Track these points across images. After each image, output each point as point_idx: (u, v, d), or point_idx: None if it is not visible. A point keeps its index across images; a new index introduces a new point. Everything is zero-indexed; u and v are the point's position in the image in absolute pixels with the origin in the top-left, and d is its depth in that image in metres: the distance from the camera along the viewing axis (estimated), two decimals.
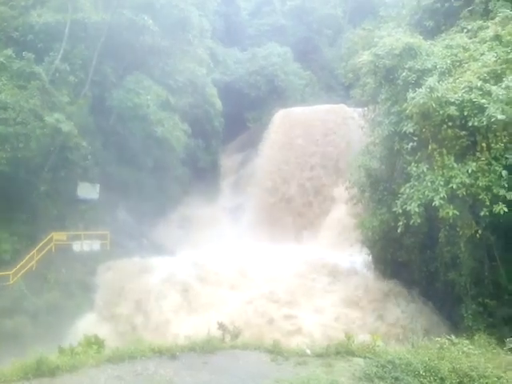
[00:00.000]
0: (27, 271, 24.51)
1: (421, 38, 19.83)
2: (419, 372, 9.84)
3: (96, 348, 11.58)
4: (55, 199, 27.50)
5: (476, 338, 12.50)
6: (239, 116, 44.82)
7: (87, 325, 22.08)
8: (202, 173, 38.70)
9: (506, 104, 14.91)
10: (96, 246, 28.05)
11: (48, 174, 27.08)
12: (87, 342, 11.68)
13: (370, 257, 24.65)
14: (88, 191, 29.54)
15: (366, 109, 25.33)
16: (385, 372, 10.03)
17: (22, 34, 28.69)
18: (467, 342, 11.44)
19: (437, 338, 11.42)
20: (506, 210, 14.35)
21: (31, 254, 25.01)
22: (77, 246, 27.45)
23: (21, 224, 25.74)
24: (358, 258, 25.88)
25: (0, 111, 24.61)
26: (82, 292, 25.08)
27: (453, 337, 11.47)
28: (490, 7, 19.89)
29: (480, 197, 14.91)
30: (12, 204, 25.17)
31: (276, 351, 11.36)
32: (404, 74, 18.27)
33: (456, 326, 17.88)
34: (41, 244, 25.69)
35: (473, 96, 15.54)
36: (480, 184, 14.88)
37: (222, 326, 12.36)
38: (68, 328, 22.22)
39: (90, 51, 29.82)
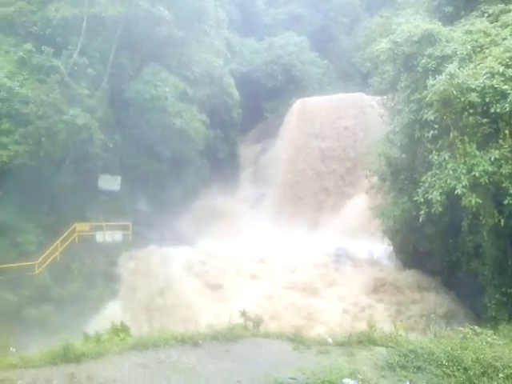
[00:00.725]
0: (52, 261, 25.05)
1: (440, 24, 19.49)
2: (442, 362, 9.80)
3: (123, 335, 11.77)
4: (77, 191, 27.94)
5: (500, 328, 12.41)
6: (256, 106, 44.70)
7: (110, 313, 22.46)
8: (221, 163, 38.74)
9: None
10: (118, 236, 28.46)
11: (70, 167, 27.50)
12: (114, 329, 11.87)
13: (392, 246, 24.52)
14: (109, 183, 29.95)
15: (384, 97, 25.05)
16: (407, 361, 10.02)
17: (41, 28, 28.93)
18: (491, 332, 11.36)
19: (460, 328, 11.36)
20: None
21: (55, 244, 25.54)
22: (99, 237, 27.89)
23: (44, 216, 26.25)
24: (378, 248, 25.79)
25: (22, 106, 24.97)
26: (105, 281, 25.56)
27: (476, 327, 11.39)
28: None
29: (503, 185, 14.71)
30: (35, 196, 25.60)
31: (298, 340, 11.41)
32: (423, 60, 18.02)
33: (479, 316, 17.73)
34: (64, 235, 26.19)
35: (495, 82, 15.29)
36: (503, 172, 14.67)
37: (243, 315, 12.45)
38: (92, 316, 22.67)
39: (108, 44, 30.01)
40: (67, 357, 10.16)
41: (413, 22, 19.90)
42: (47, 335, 16.23)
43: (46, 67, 26.89)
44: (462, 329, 11.10)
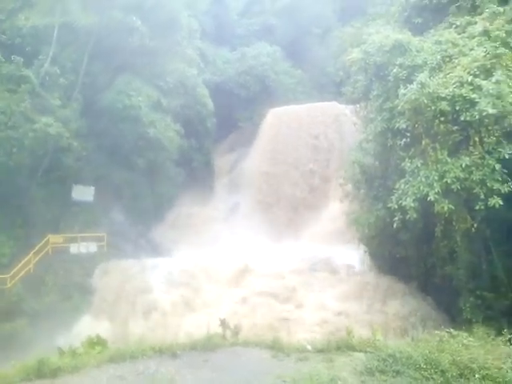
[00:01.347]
0: (25, 274, 24.60)
1: (410, 34, 19.99)
2: (420, 365, 9.92)
3: (99, 348, 11.60)
4: (50, 202, 27.56)
5: (475, 330, 12.60)
6: (230, 116, 44.77)
7: (86, 326, 22.09)
8: (196, 173, 38.67)
9: (497, 98, 15.08)
10: (93, 247, 28.04)
11: (42, 178, 27.10)
12: (90, 342, 11.69)
13: (367, 253, 24.78)
14: (82, 193, 29.52)
15: (357, 106, 25.43)
16: (386, 366, 10.11)
17: (10, 37, 28.56)
18: (466, 334, 11.54)
19: (436, 331, 11.52)
20: (500, 203, 14.51)
21: (28, 257, 25.07)
22: (74, 249, 27.45)
23: (17, 228, 25.81)
24: (355, 255, 26.00)
25: None
26: (80, 294, 25.12)
27: (452, 330, 11.58)
28: (477, 3, 20.02)
29: (474, 191, 15.04)
30: (7, 208, 25.18)
31: (277, 347, 11.42)
32: (395, 70, 18.39)
33: (454, 319, 18.03)
34: (38, 247, 25.71)
35: (464, 91, 15.70)
36: (474, 178, 15.01)
37: (223, 323, 12.41)
38: (67, 330, 22.25)
39: (80, 54, 29.74)
40: (42, 372, 9.97)
41: (383, 33, 20.33)
42: (21, 350, 15.89)
43: (16, 77, 26.53)
44: (439, 332, 11.26)
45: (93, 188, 29.99)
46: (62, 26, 28.72)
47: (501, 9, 18.04)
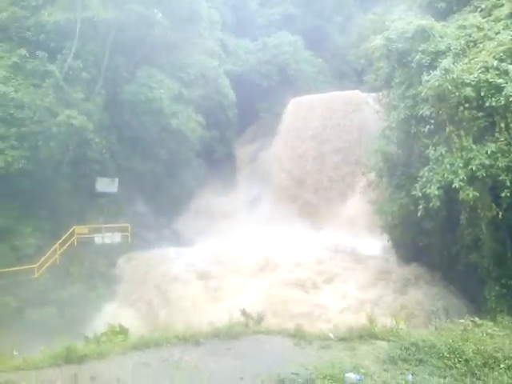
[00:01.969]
0: (51, 265, 25.15)
1: (433, 19, 19.60)
2: (443, 354, 9.86)
3: (121, 337, 11.81)
4: (75, 194, 28.08)
5: (499, 319, 12.45)
6: (252, 106, 44.66)
7: (111, 315, 22.45)
8: (218, 164, 38.75)
9: None
10: (117, 238, 28.52)
11: (67, 170, 27.56)
12: (112, 330, 11.91)
13: (390, 242, 24.58)
14: (107, 185, 30.02)
15: (380, 93, 25.11)
16: (408, 354, 10.09)
17: (34, 33, 28.92)
18: (491, 323, 11.43)
19: (460, 320, 11.41)
20: None
21: (54, 247, 25.61)
22: (98, 239, 27.94)
23: (43, 219, 26.33)
24: (378, 244, 25.84)
25: (17, 111, 25.04)
26: (105, 283, 25.58)
27: (476, 319, 11.45)
28: None
29: (500, 178, 14.77)
30: (34, 200, 25.68)
31: (299, 336, 11.49)
32: (417, 56, 18.11)
33: (479, 308, 17.76)
34: (63, 238, 26.22)
35: (489, 76, 15.37)
36: (500, 165, 14.74)
37: (244, 312, 12.50)
38: (92, 318, 22.71)
39: (102, 48, 30.07)
40: (70, 358, 10.22)
41: (406, 19, 20.02)
42: (49, 338, 16.22)
43: (40, 72, 26.95)
44: (463, 321, 11.15)
45: (117, 180, 30.44)
46: (83, 21, 29.04)
47: None
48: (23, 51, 27.06)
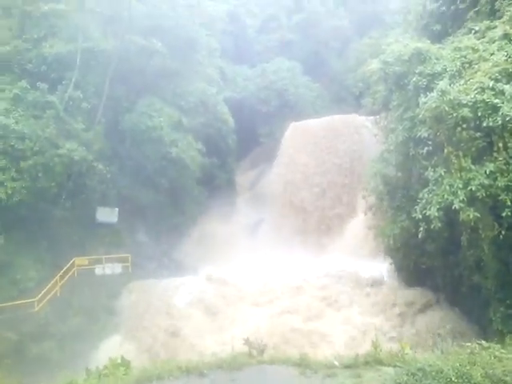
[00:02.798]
0: (52, 297, 24.89)
1: (428, 42, 19.84)
2: (451, 379, 9.61)
3: (123, 369, 11.57)
4: (75, 225, 27.96)
5: (507, 341, 12.22)
6: (252, 132, 45.02)
7: (113, 347, 22.20)
8: (219, 190, 38.79)
9: None
10: (118, 268, 28.30)
11: (67, 201, 27.52)
12: (113, 364, 11.68)
13: (393, 265, 24.39)
14: (107, 215, 29.91)
15: (378, 117, 25.25)
16: (415, 380, 9.83)
17: (36, 65, 29.37)
18: (498, 346, 11.18)
19: (467, 343, 11.18)
20: None
21: (55, 280, 25.38)
22: (99, 270, 27.73)
23: (43, 251, 26.18)
24: (380, 267, 25.64)
25: (18, 142, 25.16)
26: (107, 315, 25.26)
27: (483, 341, 11.23)
28: (496, 7, 19.73)
29: (500, 197, 14.69)
30: (34, 231, 25.60)
31: (304, 364, 11.24)
32: (414, 79, 18.23)
33: (485, 330, 17.52)
34: (64, 270, 26.04)
35: (485, 96, 15.42)
36: (499, 184, 14.67)
37: (247, 342, 12.28)
38: (94, 351, 22.43)
39: (102, 78, 30.43)
40: None
41: (402, 42, 20.21)
42: (49, 372, 16.02)
43: (41, 103, 27.19)
44: (469, 344, 10.91)
45: (117, 209, 30.36)
46: (84, 51, 29.54)
47: None
48: (24, 83, 27.37)
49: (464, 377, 9.56)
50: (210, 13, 37.01)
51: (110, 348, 22.29)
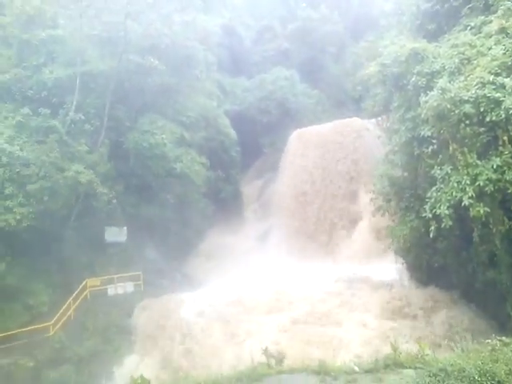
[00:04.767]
0: (66, 321, 24.81)
1: (425, 41, 19.91)
2: (474, 377, 9.49)
3: None
4: (85, 246, 27.94)
5: None
6: (254, 143, 45.15)
7: (130, 367, 22.10)
8: (225, 203, 38.88)
9: None
10: (130, 287, 28.27)
11: (74, 223, 27.59)
12: (134, 383, 11.62)
13: (405, 265, 24.24)
14: (115, 235, 29.96)
15: (379, 118, 25.27)
16: (438, 381, 9.73)
17: (36, 91, 29.52)
18: None
19: (487, 340, 11.05)
20: None
21: (68, 303, 25.34)
22: (111, 290, 27.71)
23: (54, 274, 26.19)
24: (391, 268, 25.49)
25: (23, 168, 25.25)
26: (121, 335, 25.11)
27: (504, 337, 11.10)
28: (490, 2, 19.81)
29: (509, 191, 14.67)
30: (44, 256, 25.60)
31: (323, 371, 11.16)
32: (413, 79, 18.31)
33: (503, 325, 17.32)
34: (76, 292, 26.03)
35: (486, 91, 15.45)
36: (507, 178, 14.65)
37: (266, 352, 12.21)
38: (111, 372, 22.33)
39: (102, 99, 30.64)
40: None
41: (398, 43, 20.31)
42: None
43: (43, 128, 27.31)
44: (490, 341, 10.79)
45: (125, 228, 30.41)
46: (83, 74, 29.72)
47: None
48: (26, 109, 27.52)
49: (487, 375, 9.45)
50: (205, 27, 37.29)
51: (128, 368, 22.21)
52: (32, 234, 24.90)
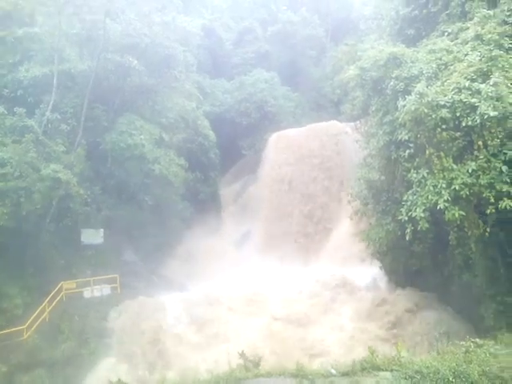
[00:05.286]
0: (40, 323, 24.27)
1: (403, 46, 20.14)
2: (449, 379, 9.65)
3: None
4: (60, 248, 27.45)
5: (499, 337, 12.30)
6: (233, 145, 45.04)
7: (105, 370, 21.77)
8: (203, 205, 38.67)
9: (497, 100, 15.04)
10: (106, 290, 27.85)
11: (51, 225, 27.06)
12: None
13: (382, 269, 24.46)
14: (92, 237, 29.51)
15: (358, 122, 25.46)
16: (414, 383, 9.84)
17: (12, 90, 29.00)
18: (492, 342, 11.25)
19: (461, 342, 11.22)
20: (511, 204, 14.29)
21: (43, 305, 24.81)
22: (87, 293, 27.25)
23: (29, 277, 25.61)
24: (369, 271, 25.70)
25: None
26: (97, 338, 24.69)
27: (477, 339, 11.27)
28: (466, 9, 20.18)
29: (484, 195, 14.87)
30: (19, 258, 25.07)
31: (301, 375, 11.16)
32: (392, 83, 18.48)
33: (477, 327, 17.62)
34: (51, 295, 25.51)
35: (463, 96, 15.67)
36: (482, 182, 14.86)
37: (243, 356, 12.16)
38: (87, 376, 21.95)
39: (80, 98, 30.16)
40: None
41: (377, 47, 20.51)
42: None
43: (19, 128, 26.78)
44: (464, 342, 10.96)
45: (102, 230, 29.97)
46: (60, 73, 29.23)
47: (491, 12, 18.11)
48: (1, 109, 26.95)
49: (461, 376, 9.61)
50: (184, 28, 37.05)
51: (103, 371, 21.87)
52: (6, 236, 24.32)
